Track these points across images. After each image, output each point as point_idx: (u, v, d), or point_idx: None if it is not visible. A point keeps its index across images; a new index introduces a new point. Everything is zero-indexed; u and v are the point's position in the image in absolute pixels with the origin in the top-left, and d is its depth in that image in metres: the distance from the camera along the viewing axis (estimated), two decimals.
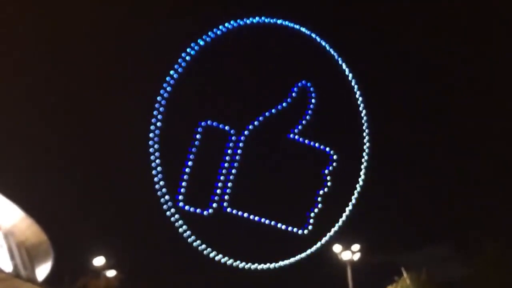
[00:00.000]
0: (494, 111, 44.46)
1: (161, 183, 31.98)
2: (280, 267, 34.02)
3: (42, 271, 40.56)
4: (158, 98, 32.31)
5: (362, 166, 36.13)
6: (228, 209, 32.70)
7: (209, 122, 32.93)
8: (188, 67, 33.06)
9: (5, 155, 32.44)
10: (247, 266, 33.36)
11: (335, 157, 35.22)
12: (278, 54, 35.49)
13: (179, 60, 33.05)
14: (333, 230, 34.93)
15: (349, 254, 33.08)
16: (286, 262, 34.15)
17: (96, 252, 32.96)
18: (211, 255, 32.73)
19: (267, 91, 34.51)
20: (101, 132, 37.32)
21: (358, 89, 36.62)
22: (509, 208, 40.85)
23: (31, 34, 36.14)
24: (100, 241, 33.94)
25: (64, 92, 36.95)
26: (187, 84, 32.76)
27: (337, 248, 33.35)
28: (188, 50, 33.37)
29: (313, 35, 36.13)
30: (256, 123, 33.61)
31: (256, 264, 33.64)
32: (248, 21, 34.54)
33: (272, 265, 33.95)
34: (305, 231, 34.10)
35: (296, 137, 34.54)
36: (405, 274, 34.24)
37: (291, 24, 35.70)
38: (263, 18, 34.92)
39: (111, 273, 33.22)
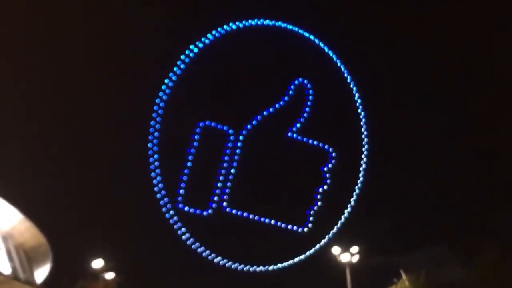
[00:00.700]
0: (495, 110, 44.54)
1: (160, 185, 32.03)
2: (279, 269, 34.04)
3: (41, 273, 40.40)
4: (157, 100, 32.39)
5: (362, 162, 36.23)
6: (228, 209, 32.74)
7: (207, 122, 33.00)
8: (186, 69, 33.14)
9: (3, 157, 32.39)
10: (245, 268, 33.37)
11: (334, 154, 35.30)
12: (273, 54, 35.65)
13: (178, 62, 33.17)
14: (332, 231, 35.01)
15: (348, 256, 33.07)
16: (285, 264, 34.17)
17: (95, 255, 32.93)
18: (210, 257, 32.76)
19: (265, 90, 34.63)
20: (100, 134, 37.30)
21: (355, 85, 36.75)
22: (507, 210, 40.88)
23: (30, 35, 36.14)
24: (99, 243, 33.92)
25: (63, 93, 36.93)
26: (185, 86, 32.82)
27: (336, 250, 33.34)
28: (186, 52, 33.50)
29: (306, 33, 36.27)
30: (254, 122, 33.69)
31: (255, 267, 33.66)
32: (242, 24, 34.68)
33: (271, 267, 33.97)
34: (305, 230, 34.15)
35: (295, 135, 34.62)
36: (404, 276, 34.29)
37: (284, 24, 35.84)
38: (256, 20, 35.07)
39: (109, 275, 33.17)
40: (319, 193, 34.83)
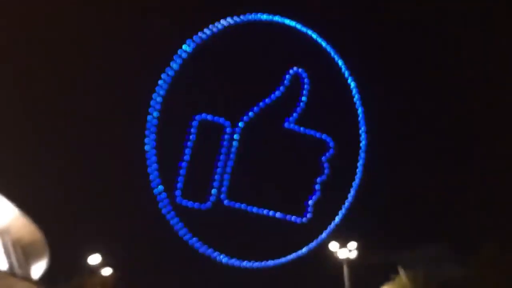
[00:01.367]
0: (495, 108, 44.51)
1: (158, 180, 32.03)
2: (277, 265, 34.02)
3: (38, 269, 40.35)
4: (154, 95, 32.40)
5: (360, 152, 36.22)
6: (227, 202, 32.73)
7: (203, 115, 33.00)
8: (183, 65, 33.18)
9: (0, 153, 32.37)
10: (243, 264, 33.34)
11: (332, 144, 35.29)
12: (267, 46, 35.63)
13: (175, 57, 33.21)
14: (331, 225, 35.00)
15: (346, 252, 32.99)
16: (283, 259, 34.16)
17: (92, 250, 32.85)
18: (208, 252, 32.74)
19: (260, 81, 34.63)
20: (97, 129, 37.25)
21: (350, 73, 36.76)
22: (505, 209, 40.90)
23: (29, 35, 36.16)
24: (96, 239, 33.85)
25: (58, 89, 36.93)
26: (182, 80, 32.83)
27: (333, 246, 33.27)
28: (183, 47, 33.55)
29: (297, 24, 36.30)
30: (251, 114, 33.68)
31: (252, 262, 33.64)
32: (235, 19, 34.74)
33: (269, 263, 33.95)
34: (305, 220, 34.14)
35: (292, 125, 34.60)
36: (401, 272, 34.23)
37: (275, 17, 35.88)
38: (248, 14, 35.12)
39: (106, 271, 33.10)
40: (318, 183, 34.82)
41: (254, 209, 33.72)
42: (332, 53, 36.96)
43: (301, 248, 34.76)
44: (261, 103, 34.04)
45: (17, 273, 35.35)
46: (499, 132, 43.65)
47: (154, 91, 32.51)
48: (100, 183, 36.66)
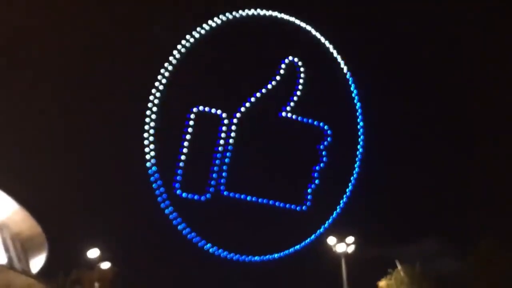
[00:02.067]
0: (494, 107, 44.61)
1: (156, 175, 32.08)
2: (275, 259, 34.13)
3: (37, 263, 40.51)
4: (153, 90, 32.47)
5: (359, 140, 36.31)
6: (226, 192, 32.80)
7: (200, 107, 33.07)
8: (180, 60, 33.25)
9: None
10: (241, 258, 33.43)
11: (329, 131, 35.37)
12: (261, 38, 35.65)
13: (174, 53, 33.28)
14: (331, 217, 35.11)
15: (344, 246, 33.08)
16: (281, 254, 34.27)
17: (91, 245, 32.90)
18: (206, 247, 32.82)
19: (255, 72, 34.69)
20: (95, 123, 37.32)
21: (344, 61, 36.82)
22: (503, 204, 41.05)
23: (29, 35, 36.23)
24: (95, 233, 33.88)
25: (56, 85, 36.98)
26: (179, 74, 32.89)
27: (331, 240, 33.37)
28: (183, 43, 33.62)
29: (290, 17, 36.38)
30: (247, 104, 33.74)
31: (250, 257, 33.72)
32: (228, 16, 34.84)
33: (267, 257, 34.04)
34: (304, 208, 34.25)
35: (289, 114, 34.68)
36: (399, 267, 34.33)
37: (268, 12, 35.94)
38: (241, 11, 35.21)
39: (105, 265, 33.15)
40: (316, 171, 34.92)
41: (254, 199, 33.77)
42: (326, 42, 37.02)
43: (299, 242, 34.83)
44: (256, 93, 34.09)
45: (16, 267, 35.51)
46: (498, 130, 43.84)
47: (152, 86, 32.56)
48: (99, 177, 36.76)
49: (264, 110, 34.30)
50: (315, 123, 35.57)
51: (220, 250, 32.96)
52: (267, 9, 35.94)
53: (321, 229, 35.16)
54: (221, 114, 33.63)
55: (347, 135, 36.82)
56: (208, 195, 32.54)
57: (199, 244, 32.79)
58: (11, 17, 34.79)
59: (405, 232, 41.53)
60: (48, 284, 33.00)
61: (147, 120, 32.51)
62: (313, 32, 37.01)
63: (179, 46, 33.51)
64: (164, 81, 32.74)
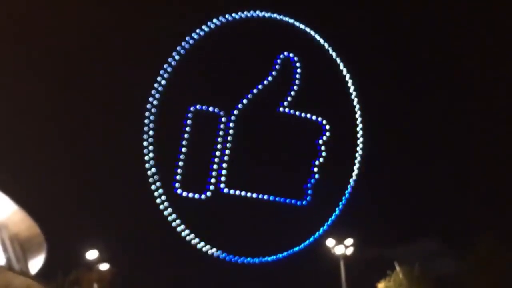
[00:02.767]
0: (494, 105, 44.54)
1: (156, 177, 32.02)
2: (274, 260, 34.10)
3: (35, 264, 40.46)
4: (152, 90, 32.44)
5: (358, 134, 36.24)
6: (226, 190, 32.75)
7: (197, 106, 33.05)
8: (179, 60, 33.20)
9: None
10: (240, 260, 33.39)
11: (327, 126, 35.33)
12: (256, 36, 35.56)
13: (173, 53, 33.23)
14: (330, 219, 35.06)
15: (342, 248, 33.08)
16: (281, 255, 34.26)
17: (89, 246, 32.89)
18: (204, 248, 32.77)
19: (251, 69, 34.64)
20: (93, 123, 37.32)
21: (339, 55, 36.73)
22: (502, 204, 41.05)
23: (29, 35, 36.19)
24: (94, 234, 33.89)
25: (55, 84, 36.96)
26: (177, 74, 32.85)
27: (330, 242, 33.36)
28: (182, 43, 33.58)
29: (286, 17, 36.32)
30: (244, 101, 33.70)
31: (249, 258, 33.68)
32: (226, 17, 34.80)
33: (265, 259, 34.01)
34: (305, 203, 34.22)
35: (286, 110, 34.65)
36: (398, 268, 34.33)
37: (264, 12, 35.87)
38: (240, 12, 35.15)
39: (104, 266, 33.14)
40: (315, 165, 34.87)
41: (253, 195, 33.73)
42: (319, 36, 36.94)
43: (298, 244, 34.78)
44: (253, 90, 34.04)
45: (14, 267, 35.45)
46: (498, 129, 43.75)
47: (151, 86, 32.52)
48: (98, 178, 36.75)
49: (262, 106, 34.24)
50: (313, 118, 35.50)
51: (219, 252, 32.92)
52: (261, 10, 35.86)
53: (320, 231, 35.10)
54: (219, 112, 33.61)
55: (345, 130, 36.74)
56: (207, 193, 32.48)
57: (198, 245, 32.76)
58: (11, 17, 34.73)
59: (403, 234, 41.57)
60: (47, 285, 33.01)
61: (146, 120, 32.47)
62: (308, 27, 36.92)
63: (177, 47, 33.43)
64: (163, 82, 32.69)
